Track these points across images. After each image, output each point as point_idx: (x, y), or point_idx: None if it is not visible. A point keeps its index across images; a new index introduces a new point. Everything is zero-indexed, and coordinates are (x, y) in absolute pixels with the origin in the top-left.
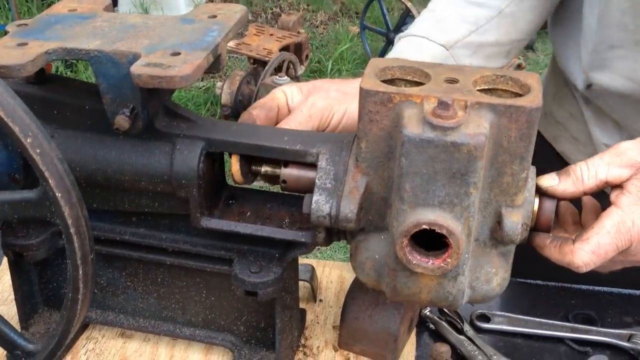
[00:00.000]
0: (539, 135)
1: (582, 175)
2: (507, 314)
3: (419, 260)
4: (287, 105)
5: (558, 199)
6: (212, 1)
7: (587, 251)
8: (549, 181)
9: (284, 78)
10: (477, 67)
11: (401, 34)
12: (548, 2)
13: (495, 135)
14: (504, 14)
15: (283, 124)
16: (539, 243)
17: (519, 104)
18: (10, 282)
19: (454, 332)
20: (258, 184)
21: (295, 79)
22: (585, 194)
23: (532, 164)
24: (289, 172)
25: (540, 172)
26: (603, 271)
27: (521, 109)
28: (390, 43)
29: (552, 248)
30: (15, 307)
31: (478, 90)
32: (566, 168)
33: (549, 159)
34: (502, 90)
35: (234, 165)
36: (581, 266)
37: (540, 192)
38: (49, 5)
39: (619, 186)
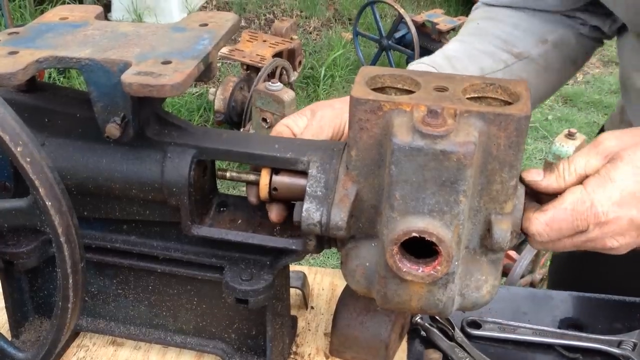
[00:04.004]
0: None
1: (563, 172)
2: (497, 320)
3: (409, 268)
4: (292, 134)
5: (542, 193)
6: (205, 9)
7: (542, 222)
8: (534, 176)
9: (277, 84)
10: (466, 75)
11: (414, 61)
12: (555, 79)
13: (484, 144)
14: (509, 69)
15: None
16: None
17: (508, 112)
18: (0, 290)
19: (445, 339)
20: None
21: (289, 85)
22: (568, 188)
23: None
24: (280, 180)
25: None
26: (556, 249)
27: (510, 117)
28: (382, 49)
29: None
30: (5, 314)
31: (467, 98)
32: (552, 165)
33: None
34: (492, 99)
35: (264, 179)
36: (534, 234)
37: (524, 184)
38: (43, 11)
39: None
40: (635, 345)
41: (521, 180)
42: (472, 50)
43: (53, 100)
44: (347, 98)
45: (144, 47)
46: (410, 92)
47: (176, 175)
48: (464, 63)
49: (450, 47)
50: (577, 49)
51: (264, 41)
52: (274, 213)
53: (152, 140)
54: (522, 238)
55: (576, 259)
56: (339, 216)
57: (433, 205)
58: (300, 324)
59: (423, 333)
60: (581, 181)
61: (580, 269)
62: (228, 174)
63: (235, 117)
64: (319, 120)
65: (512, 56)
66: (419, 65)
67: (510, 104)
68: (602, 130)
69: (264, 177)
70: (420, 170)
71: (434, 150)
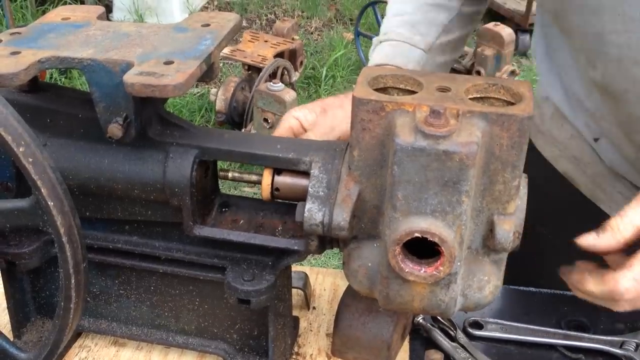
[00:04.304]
0: (539, 155)
1: (618, 226)
2: (500, 321)
3: (411, 268)
4: (302, 127)
5: (602, 255)
6: (207, 9)
7: (630, 278)
8: (589, 240)
9: (278, 85)
10: (469, 76)
11: (380, 38)
12: None
13: (487, 144)
14: (461, 12)
15: (305, 137)
16: (577, 278)
17: (511, 112)
18: (2, 290)
19: (447, 340)
20: (252, 191)
21: (290, 85)
22: (627, 243)
23: (534, 185)
24: (282, 180)
25: (541, 192)
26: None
27: (513, 117)
28: None
29: (591, 280)
30: (7, 315)
31: (470, 98)
32: (603, 224)
33: (551, 179)
34: (494, 99)
35: (266, 179)
36: (623, 293)
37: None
38: (44, 12)
39: None
40: (637, 345)
41: (577, 247)
42: (424, 7)
43: (55, 101)
44: None
45: (146, 47)
46: (412, 92)
47: (178, 175)
48: (426, 26)
49: (404, 9)
50: None
51: (265, 41)
52: None
53: (154, 141)
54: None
55: (515, 256)
56: (342, 216)
57: (435, 205)
58: (302, 324)
59: (425, 333)
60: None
61: (520, 266)
62: (230, 175)
63: (236, 118)
64: (331, 119)
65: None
66: (389, 43)
67: (512, 104)
68: None
69: (266, 177)
70: (423, 171)
71: (436, 150)
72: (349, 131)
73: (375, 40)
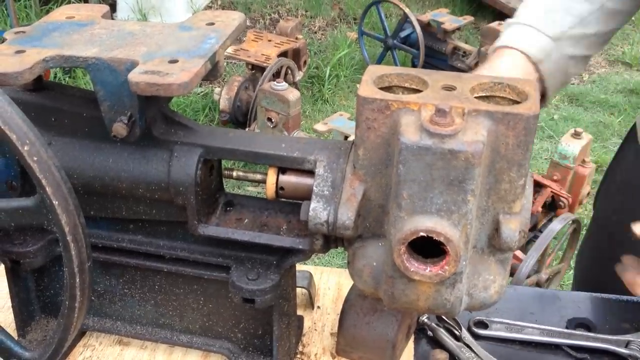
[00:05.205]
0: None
1: None
2: (505, 320)
3: (416, 268)
4: None
5: None
6: (210, 8)
7: None
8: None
9: (282, 84)
10: (474, 75)
11: (510, 20)
12: None
13: (492, 143)
14: (605, 8)
15: None
16: (630, 281)
17: (517, 111)
18: (7, 289)
19: (451, 339)
20: (256, 190)
21: (294, 84)
22: None
23: (636, 188)
24: (287, 179)
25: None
26: None
27: (519, 116)
28: (388, 49)
29: None
30: (12, 314)
31: (475, 97)
32: None
33: None
34: (500, 98)
35: (270, 178)
36: None
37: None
38: (48, 11)
39: None
40: None
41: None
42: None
43: (60, 100)
44: None
45: (151, 46)
46: (417, 91)
47: (183, 174)
48: (561, 15)
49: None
50: None
51: (269, 41)
52: None
53: (159, 140)
54: (529, 237)
55: (599, 259)
56: (346, 215)
57: (441, 204)
58: (307, 323)
59: (430, 333)
60: None
61: (603, 270)
62: (235, 173)
63: (240, 117)
64: None
65: None
66: (518, 26)
67: (518, 102)
68: (634, 126)
69: (271, 176)
70: (428, 170)
71: (442, 149)
72: None
73: (506, 22)
